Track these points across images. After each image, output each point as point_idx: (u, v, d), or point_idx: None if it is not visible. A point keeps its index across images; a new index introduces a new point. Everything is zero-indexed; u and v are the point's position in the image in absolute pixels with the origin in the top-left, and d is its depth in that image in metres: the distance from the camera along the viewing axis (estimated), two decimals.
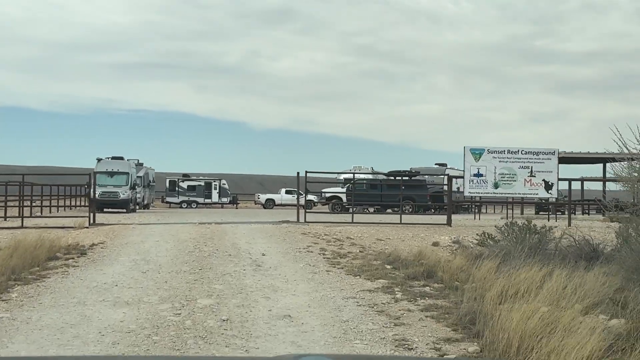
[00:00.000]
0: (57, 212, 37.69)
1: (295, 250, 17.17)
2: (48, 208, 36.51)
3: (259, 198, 62.60)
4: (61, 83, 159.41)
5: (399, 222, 23.64)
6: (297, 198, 25.46)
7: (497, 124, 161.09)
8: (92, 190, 22.73)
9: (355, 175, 48.00)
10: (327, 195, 45.18)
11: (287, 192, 62.40)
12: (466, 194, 23.80)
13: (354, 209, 47.09)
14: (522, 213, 38.52)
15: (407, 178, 47.38)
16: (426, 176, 46.87)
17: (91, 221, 22.03)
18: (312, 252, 17.09)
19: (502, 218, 36.98)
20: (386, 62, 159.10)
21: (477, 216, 35.24)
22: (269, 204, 60.35)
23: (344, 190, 45.03)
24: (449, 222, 23.69)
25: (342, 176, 48.28)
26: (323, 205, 46.11)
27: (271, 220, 26.31)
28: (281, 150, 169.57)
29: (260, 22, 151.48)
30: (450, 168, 46.08)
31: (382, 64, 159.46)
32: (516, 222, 19.89)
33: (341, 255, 16.67)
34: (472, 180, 23.50)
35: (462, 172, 49.09)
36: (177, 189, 60.44)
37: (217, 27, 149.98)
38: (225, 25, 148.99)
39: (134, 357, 6.14)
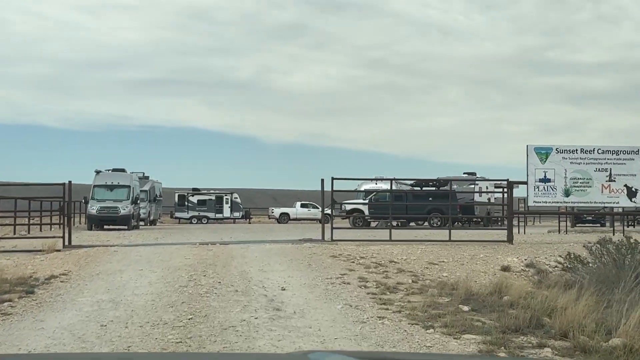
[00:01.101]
0: (50, 230, 32.91)
1: (326, 282, 12.28)
2: (38, 226, 31.71)
3: (272, 212, 57.52)
4: (75, 100, 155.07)
5: (448, 239, 18.68)
6: (322, 211, 20.52)
7: (511, 135, 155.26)
8: (67, 205, 17.79)
9: (378, 185, 43.25)
10: (348, 207, 40.25)
11: (303, 205, 57.48)
12: (530, 203, 18.80)
13: (377, 223, 42.33)
14: (573, 225, 33.24)
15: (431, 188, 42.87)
16: (455, 186, 42.04)
17: (66, 242, 17.17)
18: (349, 283, 12.20)
19: (549, 231, 31.97)
20: (398, 75, 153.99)
21: (521, 230, 30.04)
22: (284, 218, 55.35)
23: (366, 202, 40.05)
24: (509, 239, 18.68)
25: (363, 187, 43.39)
26: (343, 219, 41.18)
27: (289, 238, 21.42)
28: (294, 164, 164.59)
29: (272, 38, 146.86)
30: (480, 178, 41.20)
31: (394, 78, 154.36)
32: (610, 239, 14.99)
33: (390, 289, 11.77)
34: (538, 187, 18.47)
35: (493, 181, 44.47)
36: (186, 203, 55.43)
37: (229, 43, 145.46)
38: (237, 40, 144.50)
39: (140, 354, 4.78)
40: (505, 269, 14.83)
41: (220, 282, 11.88)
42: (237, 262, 14.28)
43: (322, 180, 18.86)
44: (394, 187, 43.78)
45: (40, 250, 16.25)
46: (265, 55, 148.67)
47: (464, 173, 43.77)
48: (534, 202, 18.71)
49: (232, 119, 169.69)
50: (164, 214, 55.10)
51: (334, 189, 19.53)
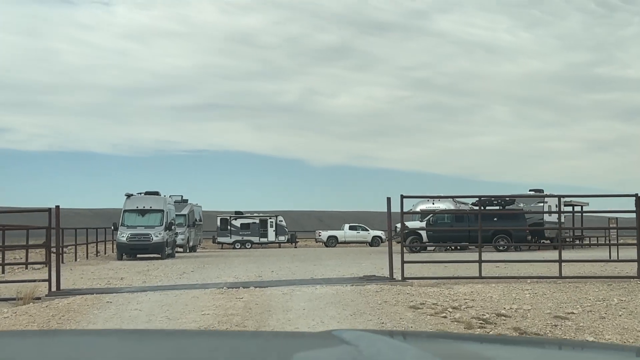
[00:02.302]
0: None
1: None
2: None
3: (320, 235, 52.55)
4: (123, 126, 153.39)
5: (558, 274, 13.60)
6: (390, 239, 15.59)
7: (559, 153, 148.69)
8: (51, 235, 13.14)
9: (435, 205, 38.25)
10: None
11: (351, 227, 52.56)
12: None
13: (434, 247, 37.19)
14: None
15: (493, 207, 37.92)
16: (521, 204, 36.91)
17: (53, 286, 12.55)
18: None
19: None
20: (444, 95, 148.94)
21: (604, 253, 24.52)
22: (331, 241, 50.50)
23: (424, 224, 35.05)
24: None
25: (419, 207, 38.38)
26: (398, 243, 36.13)
27: (344, 272, 16.63)
28: (340, 186, 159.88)
29: (317, 60, 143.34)
30: (548, 195, 35.92)
31: (440, 97, 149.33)
32: None
33: None
34: None
35: (560, 198, 39.11)
36: (229, 227, 50.83)
37: (274, 67, 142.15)
38: (282, 64, 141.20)
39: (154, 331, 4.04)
40: None
41: None
42: (277, 320, 9.48)
43: (389, 200, 13.99)
44: (452, 207, 38.91)
45: (15, 299, 11.69)
46: (310, 77, 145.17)
47: (530, 190, 38.53)
48: None
49: (277, 142, 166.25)
50: (206, 239, 50.69)
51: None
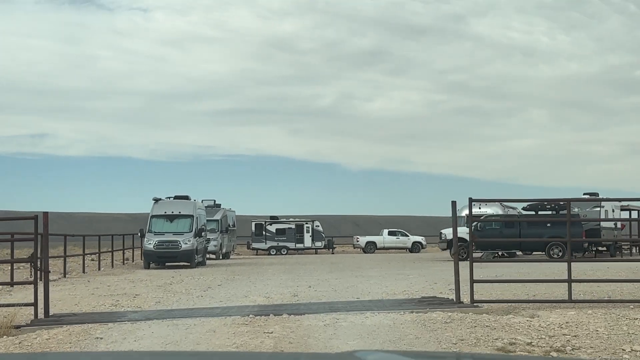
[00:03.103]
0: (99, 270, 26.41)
1: None
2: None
3: (357, 241, 49.69)
4: (161, 132, 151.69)
5: None
6: (455, 251, 12.65)
7: (598, 156, 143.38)
8: (39, 246, 10.49)
9: (482, 210, 35.26)
10: (449, 237, 32.21)
11: (390, 233, 49.66)
12: None
13: (482, 254, 34.16)
14: None
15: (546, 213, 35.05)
16: (576, 209, 33.65)
17: (41, 312, 9.87)
18: None
19: None
20: (480, 98, 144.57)
21: None
22: (370, 247, 47.69)
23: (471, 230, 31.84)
24: None
25: (464, 212, 35.21)
26: (443, 250, 33.42)
27: (395, 289, 13.84)
28: (376, 190, 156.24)
29: (353, 65, 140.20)
30: (605, 199, 32.69)
31: (477, 101, 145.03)
32: None
33: None
34: None
35: (618, 201, 35.83)
36: (264, 233, 48.19)
37: (310, 71, 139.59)
38: (318, 69, 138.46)
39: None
40: None
41: None
42: None
43: (454, 203, 11.21)
44: (500, 212, 35.83)
45: None
46: (347, 82, 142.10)
47: (584, 194, 35.23)
48: None
49: (313, 146, 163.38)
50: (241, 245, 48.21)
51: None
